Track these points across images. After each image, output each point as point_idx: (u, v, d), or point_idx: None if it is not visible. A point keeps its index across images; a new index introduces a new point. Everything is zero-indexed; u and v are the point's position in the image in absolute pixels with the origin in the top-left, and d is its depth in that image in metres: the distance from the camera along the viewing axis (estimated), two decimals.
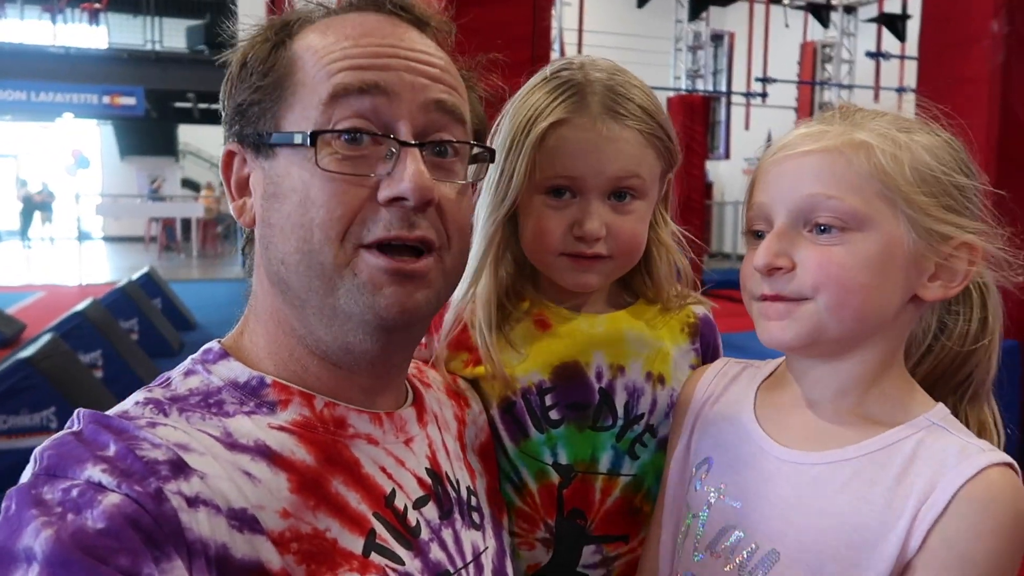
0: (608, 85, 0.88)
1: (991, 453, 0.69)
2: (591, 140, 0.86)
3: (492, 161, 0.79)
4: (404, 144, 0.65)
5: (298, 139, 0.64)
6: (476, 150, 0.73)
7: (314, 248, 0.64)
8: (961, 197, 0.73)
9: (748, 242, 0.78)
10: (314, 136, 0.64)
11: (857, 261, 0.70)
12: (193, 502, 0.57)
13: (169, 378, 0.68)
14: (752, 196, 0.77)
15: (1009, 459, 0.69)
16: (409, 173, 0.64)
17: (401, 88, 0.66)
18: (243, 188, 0.71)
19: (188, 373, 0.68)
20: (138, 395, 0.65)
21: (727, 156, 13.89)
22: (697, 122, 10.34)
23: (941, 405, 0.75)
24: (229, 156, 0.71)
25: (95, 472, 0.55)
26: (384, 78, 0.65)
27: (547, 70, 0.92)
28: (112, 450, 0.57)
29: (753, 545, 0.74)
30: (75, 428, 0.60)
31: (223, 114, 0.71)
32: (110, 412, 0.64)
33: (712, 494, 0.79)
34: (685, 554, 0.80)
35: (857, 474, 0.71)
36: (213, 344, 0.71)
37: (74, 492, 0.54)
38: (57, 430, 0.65)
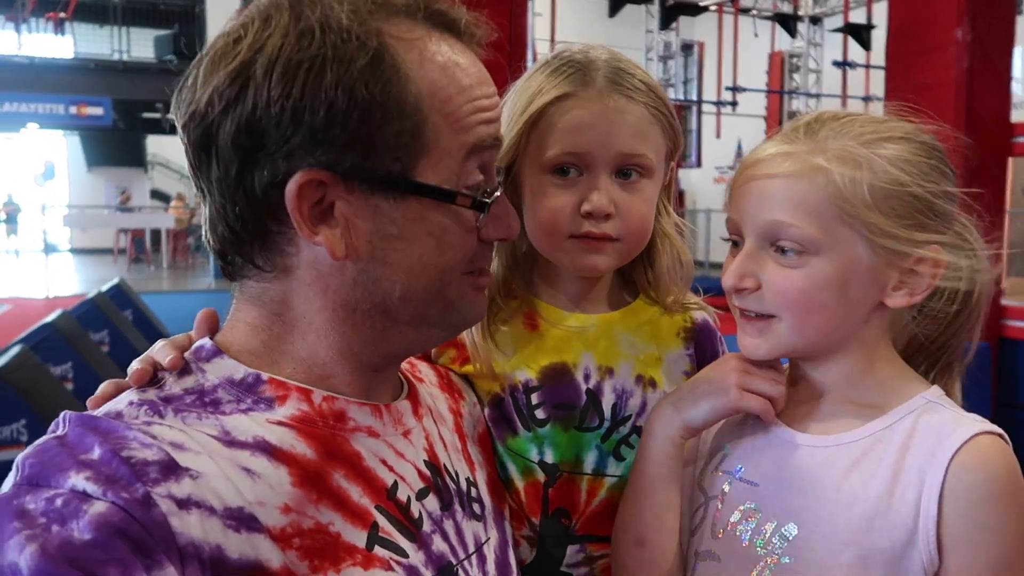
0: (610, 62, 0.87)
1: (981, 423, 0.74)
2: (598, 112, 0.84)
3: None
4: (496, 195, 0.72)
5: (463, 202, 0.67)
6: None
7: (445, 284, 0.69)
8: (925, 207, 0.74)
9: (731, 249, 0.82)
10: (483, 204, 0.68)
11: (815, 283, 0.74)
12: (184, 504, 0.56)
13: (162, 378, 0.67)
14: (728, 208, 0.82)
15: (999, 429, 0.73)
16: (514, 218, 0.73)
17: (500, 138, 0.72)
18: (316, 216, 0.63)
19: (182, 373, 0.66)
20: (131, 395, 0.64)
21: (699, 164, 14.02)
22: None
23: (936, 386, 0.79)
24: (308, 184, 0.62)
25: (79, 480, 0.54)
26: (496, 131, 0.71)
27: (547, 55, 0.91)
28: (96, 454, 0.56)
29: (772, 521, 0.77)
30: (59, 432, 0.59)
31: (273, 126, 0.61)
32: (100, 411, 0.62)
33: (729, 477, 0.82)
34: (703, 535, 0.83)
35: (865, 454, 0.75)
36: (205, 341, 0.69)
37: (58, 502, 0.52)
38: (28, 443, 0.64)
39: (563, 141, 0.85)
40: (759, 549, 0.77)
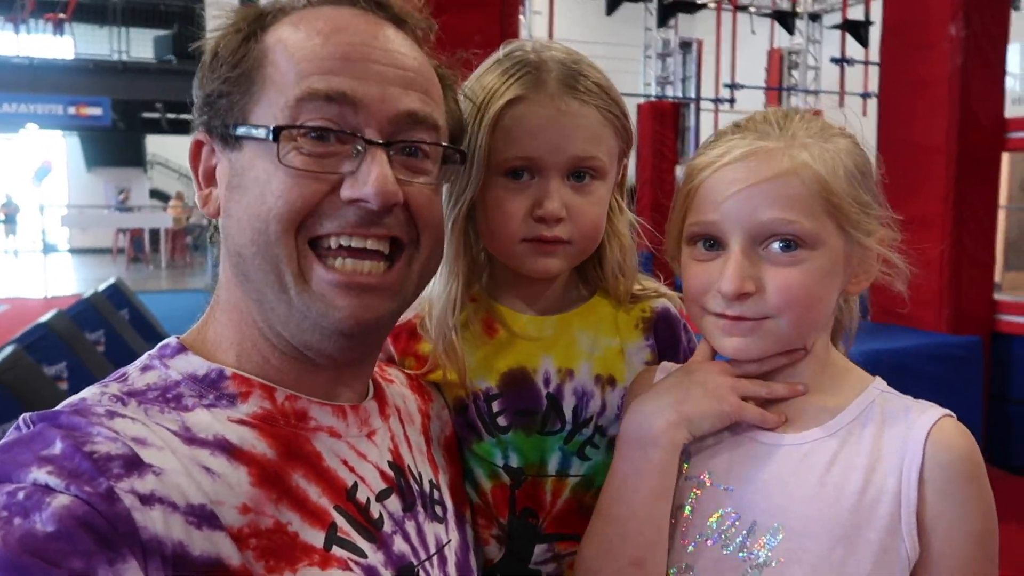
0: (563, 62, 0.86)
1: (938, 407, 0.77)
2: (550, 117, 0.84)
3: (464, 163, 0.79)
4: (371, 143, 0.65)
5: (262, 133, 0.64)
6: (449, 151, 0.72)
7: (270, 240, 0.64)
8: (871, 194, 0.78)
9: (692, 253, 0.79)
10: (277, 131, 0.63)
11: (813, 279, 0.74)
12: (147, 500, 0.55)
13: (125, 374, 0.67)
14: (693, 210, 0.78)
15: (949, 411, 0.76)
16: (373, 176, 0.63)
17: (369, 99, 0.65)
18: (210, 178, 0.70)
19: (145, 368, 0.67)
20: (94, 388, 0.64)
21: None
22: (667, 128, 10.42)
23: (878, 377, 0.81)
24: (198, 146, 0.70)
25: (40, 475, 0.53)
26: (353, 87, 0.64)
27: (499, 52, 0.89)
28: (58, 448, 0.55)
29: (753, 523, 0.75)
30: (21, 431, 0.59)
31: (194, 103, 0.70)
32: (63, 404, 0.62)
33: (697, 482, 0.80)
34: (675, 547, 0.79)
35: (842, 446, 0.76)
36: (171, 340, 0.70)
37: (20, 495, 0.52)
38: None
39: (515, 145, 0.84)
40: (741, 554, 0.75)
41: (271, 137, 0.63)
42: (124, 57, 14.52)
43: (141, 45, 14.84)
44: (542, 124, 0.84)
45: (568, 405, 0.91)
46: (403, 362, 0.93)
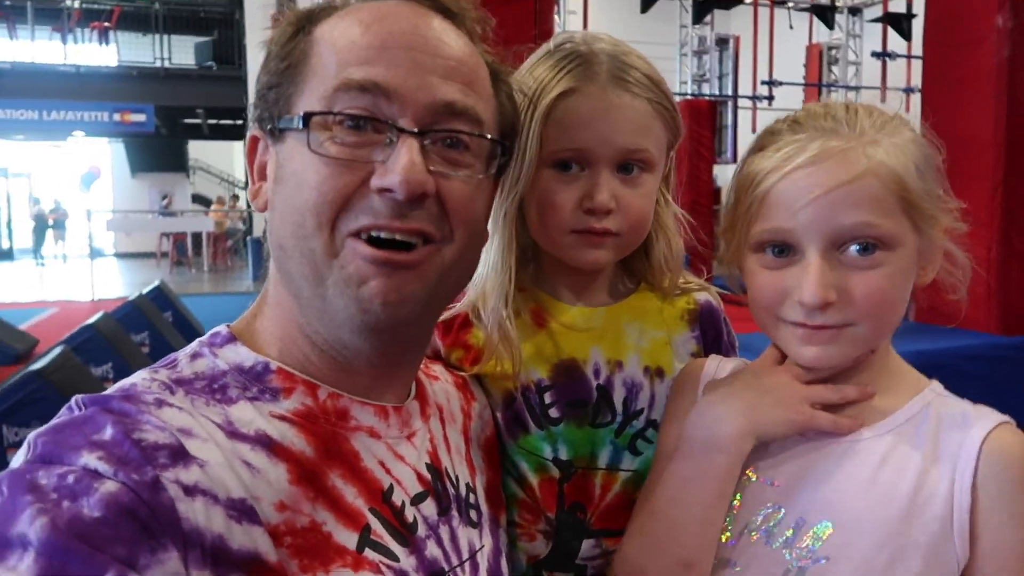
0: (613, 55, 0.87)
1: (996, 412, 0.75)
2: (601, 109, 0.84)
3: (510, 155, 0.77)
4: (403, 132, 0.63)
5: (295, 122, 0.64)
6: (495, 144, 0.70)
7: (307, 233, 0.63)
8: (939, 185, 0.76)
9: (760, 260, 0.76)
10: (308, 118, 0.63)
11: (894, 282, 0.72)
12: (191, 491, 0.56)
13: (176, 360, 0.67)
14: (763, 217, 0.74)
15: (1007, 417, 0.75)
16: (401, 164, 0.62)
17: (405, 88, 0.63)
18: (263, 173, 0.70)
19: (195, 356, 0.67)
20: (144, 373, 0.64)
21: (735, 160, 13.85)
22: (704, 126, 10.33)
23: (935, 380, 0.80)
24: (253, 141, 0.71)
25: (91, 459, 0.54)
26: (387, 76, 0.63)
27: (549, 44, 0.90)
28: (108, 434, 0.56)
29: (801, 521, 0.74)
30: (72, 412, 0.60)
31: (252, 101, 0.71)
32: (114, 388, 0.63)
33: (743, 477, 0.78)
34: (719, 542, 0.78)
35: (894, 447, 0.74)
36: (221, 328, 0.70)
37: (70, 478, 0.53)
38: None
39: (566, 137, 0.85)
40: (786, 552, 0.74)
41: (301, 125, 0.63)
42: (166, 64, 14.85)
43: (183, 52, 15.15)
44: (593, 116, 0.84)
45: (618, 397, 0.91)
46: (450, 355, 0.94)
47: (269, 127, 0.67)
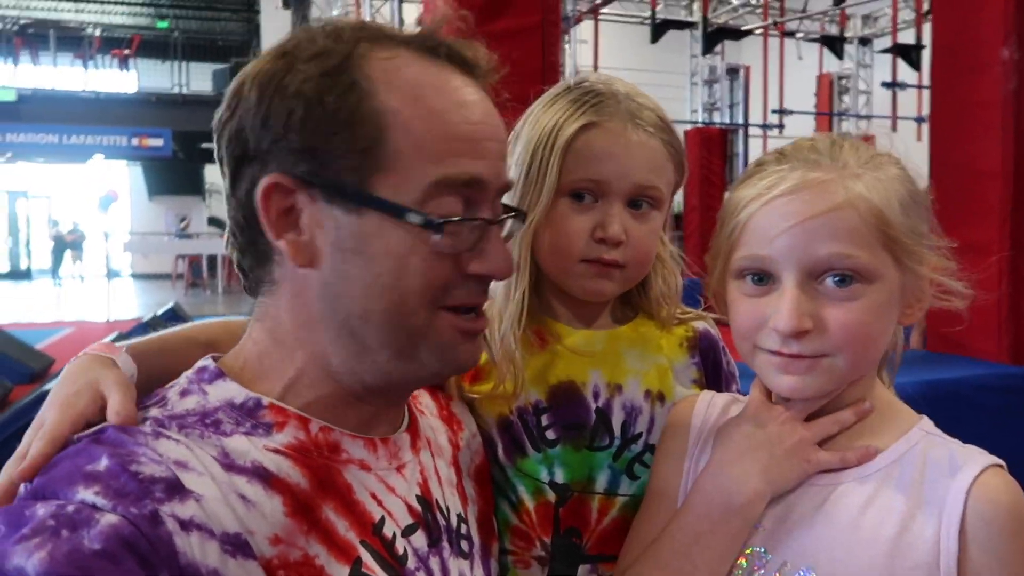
0: (628, 95, 0.91)
1: (986, 455, 0.73)
2: (620, 144, 0.88)
3: (523, 220, 0.82)
4: (491, 223, 0.69)
5: (415, 219, 0.64)
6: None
7: (406, 311, 0.66)
8: (925, 223, 0.76)
9: (740, 288, 0.77)
10: (441, 224, 0.64)
11: (872, 315, 0.72)
12: (187, 525, 0.56)
13: (165, 397, 0.67)
14: (743, 245, 0.75)
15: (998, 460, 0.73)
16: (504, 256, 0.70)
17: (491, 178, 0.68)
18: (285, 223, 0.66)
19: (184, 393, 0.67)
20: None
21: None
22: (715, 154, 10.36)
23: (925, 416, 0.79)
24: (273, 188, 0.65)
25: (88, 494, 0.54)
26: (483, 170, 0.67)
27: (567, 82, 0.94)
28: (104, 465, 0.56)
29: (785, 564, 0.74)
30: (65, 447, 0.60)
31: (251, 133, 0.65)
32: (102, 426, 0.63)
33: None
34: None
35: (877, 490, 0.73)
36: (208, 363, 0.69)
37: (69, 509, 0.53)
38: None
39: (584, 168, 0.88)
40: None
41: (432, 227, 0.64)
42: (184, 90, 15.10)
43: (200, 78, 15.41)
44: (611, 150, 0.88)
45: (617, 420, 0.93)
46: None
47: (332, 190, 0.65)
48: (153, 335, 0.80)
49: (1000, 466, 0.72)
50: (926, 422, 0.78)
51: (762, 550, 0.76)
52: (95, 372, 0.67)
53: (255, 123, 0.65)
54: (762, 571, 0.75)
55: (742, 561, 0.76)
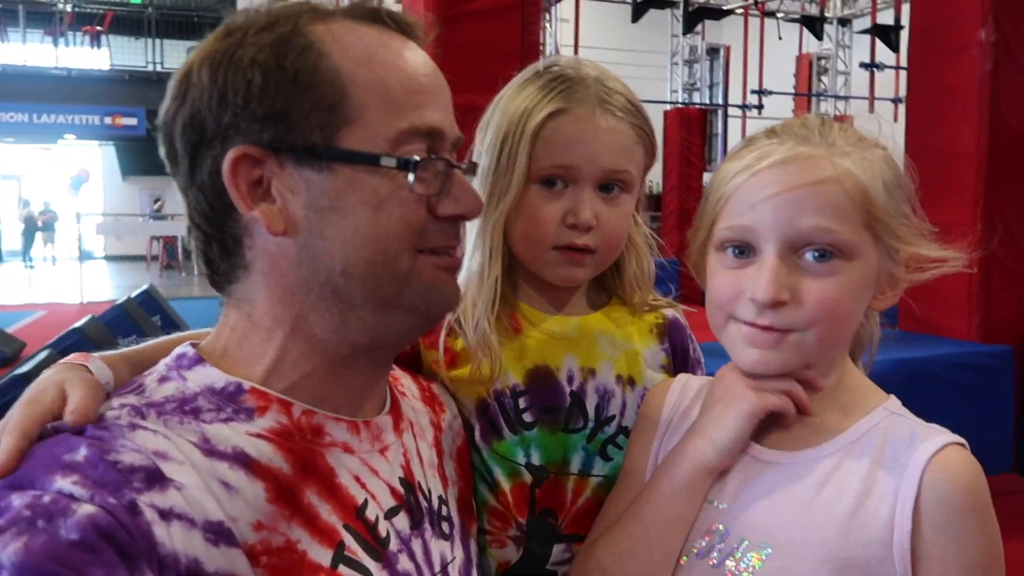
0: (598, 79, 0.91)
1: (946, 434, 0.73)
2: (589, 130, 0.88)
3: (474, 173, 0.83)
4: (455, 167, 0.71)
5: (389, 163, 0.66)
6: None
7: (390, 256, 0.67)
8: (909, 207, 0.76)
9: (720, 260, 0.77)
10: (415, 163, 0.66)
11: (848, 293, 0.72)
12: (167, 515, 0.56)
13: (142, 384, 0.66)
14: (726, 215, 0.76)
15: (960, 439, 0.73)
16: (472, 196, 0.72)
17: (448, 128, 0.70)
18: (256, 195, 0.66)
19: (162, 379, 0.66)
20: (111, 401, 0.63)
21: None
22: (694, 135, 10.39)
23: (893, 396, 0.79)
24: (240, 160, 0.64)
25: (65, 484, 0.54)
26: (441, 120, 0.70)
27: (537, 66, 0.94)
28: (82, 455, 0.56)
29: (743, 542, 0.75)
30: (43, 436, 0.59)
31: (208, 114, 0.65)
32: None
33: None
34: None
35: (836, 468, 0.74)
36: (186, 349, 0.69)
37: (45, 499, 0.53)
38: None
39: (554, 155, 0.88)
40: (730, 573, 0.74)
41: (408, 167, 0.66)
42: (159, 68, 14.83)
43: (175, 56, 15.13)
44: (581, 136, 0.88)
45: (591, 403, 0.94)
46: (426, 355, 0.95)
47: (301, 152, 0.65)
48: (129, 348, 0.79)
49: (962, 445, 0.72)
50: (892, 402, 0.78)
51: (722, 528, 0.76)
52: (63, 374, 0.66)
53: (211, 103, 0.65)
54: (721, 546, 0.75)
55: (704, 539, 0.77)
